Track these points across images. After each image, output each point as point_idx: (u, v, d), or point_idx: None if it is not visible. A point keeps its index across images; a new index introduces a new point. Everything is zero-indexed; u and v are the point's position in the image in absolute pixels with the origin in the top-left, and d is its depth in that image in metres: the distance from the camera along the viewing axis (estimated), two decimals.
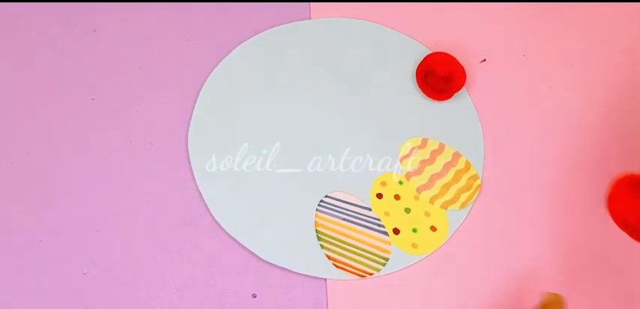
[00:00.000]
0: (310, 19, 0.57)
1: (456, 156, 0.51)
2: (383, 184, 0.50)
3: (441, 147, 0.52)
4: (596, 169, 0.52)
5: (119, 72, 0.54)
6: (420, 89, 0.54)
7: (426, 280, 0.47)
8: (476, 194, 0.50)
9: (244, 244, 0.47)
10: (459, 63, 0.54)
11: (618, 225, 0.48)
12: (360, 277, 0.47)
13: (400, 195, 0.50)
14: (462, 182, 0.50)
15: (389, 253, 0.48)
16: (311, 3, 0.58)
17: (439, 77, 0.54)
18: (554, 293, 0.45)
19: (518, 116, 0.54)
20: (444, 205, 0.50)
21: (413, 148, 0.52)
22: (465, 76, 0.54)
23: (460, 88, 0.54)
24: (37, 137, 0.51)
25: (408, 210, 0.49)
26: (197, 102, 0.53)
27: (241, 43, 0.55)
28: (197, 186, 0.49)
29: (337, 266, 0.47)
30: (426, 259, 0.48)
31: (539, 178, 0.51)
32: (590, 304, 0.47)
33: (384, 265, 0.47)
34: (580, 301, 0.47)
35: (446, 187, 0.50)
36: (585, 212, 0.50)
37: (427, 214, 0.49)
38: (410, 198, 0.50)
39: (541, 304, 0.44)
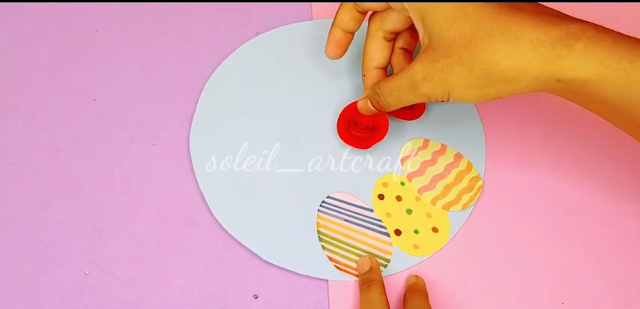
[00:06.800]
0: (312, 20, 0.57)
1: (458, 157, 0.51)
2: (384, 185, 0.50)
3: (443, 148, 0.52)
4: (599, 168, 0.52)
5: (121, 73, 0.54)
6: None
7: (427, 282, 0.47)
8: (477, 195, 0.50)
9: (246, 245, 0.47)
10: None
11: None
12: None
13: (402, 196, 0.50)
14: (464, 183, 0.50)
15: (390, 254, 0.48)
16: (312, 3, 0.58)
17: None
18: (415, 275, 0.47)
19: (519, 117, 0.54)
20: (446, 207, 0.49)
21: (414, 149, 0.51)
22: None
23: None
24: (38, 138, 0.51)
25: (409, 211, 0.49)
26: (198, 102, 0.53)
27: (242, 43, 0.56)
28: (198, 187, 0.49)
29: (339, 268, 0.47)
30: (427, 261, 0.48)
31: (540, 179, 0.51)
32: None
33: (385, 266, 0.47)
34: (580, 304, 0.47)
35: (448, 188, 0.50)
36: (587, 213, 0.50)
37: (429, 216, 0.49)
38: (412, 199, 0.50)
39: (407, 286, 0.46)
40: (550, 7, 0.42)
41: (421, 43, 0.44)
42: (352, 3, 0.47)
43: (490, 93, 0.42)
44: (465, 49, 0.41)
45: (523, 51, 0.39)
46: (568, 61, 0.39)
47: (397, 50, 0.49)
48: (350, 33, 0.49)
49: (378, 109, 0.48)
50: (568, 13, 0.42)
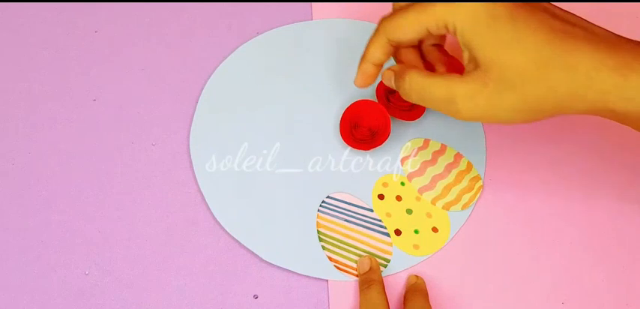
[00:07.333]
0: (312, 20, 0.57)
1: (458, 157, 0.51)
2: (384, 184, 0.50)
3: (443, 148, 0.52)
4: (599, 168, 0.52)
5: (121, 73, 0.54)
6: None
7: (427, 282, 0.47)
8: (477, 195, 0.50)
9: (246, 245, 0.47)
10: (459, 62, 0.54)
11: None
12: None
13: (402, 196, 0.50)
14: (464, 183, 0.50)
15: (390, 254, 0.48)
16: (313, 3, 0.58)
17: None
18: (416, 275, 0.47)
19: None
20: (446, 207, 0.49)
21: (414, 149, 0.51)
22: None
23: None
24: (38, 138, 0.51)
25: (409, 211, 0.49)
26: (198, 102, 0.53)
27: (243, 43, 0.55)
28: (198, 187, 0.49)
29: (339, 268, 0.47)
30: (427, 261, 0.48)
31: (540, 179, 0.51)
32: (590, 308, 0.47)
33: (385, 266, 0.47)
34: (580, 304, 0.47)
35: (448, 188, 0.50)
36: (587, 212, 0.50)
37: (429, 216, 0.49)
38: (412, 199, 0.50)
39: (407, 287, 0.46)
40: (600, 27, 0.41)
41: (465, 66, 0.43)
42: (386, 38, 0.45)
43: (539, 117, 0.41)
44: (519, 77, 0.40)
45: (580, 80, 0.39)
46: (623, 91, 0.39)
47: (429, 48, 0.48)
48: (380, 65, 0.47)
49: (395, 89, 0.47)
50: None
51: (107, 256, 0.47)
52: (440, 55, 0.48)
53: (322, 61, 0.55)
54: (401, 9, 0.45)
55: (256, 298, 0.46)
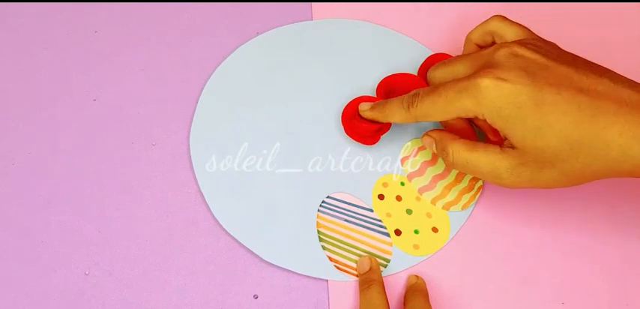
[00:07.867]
0: (312, 20, 0.57)
1: None
2: (384, 185, 0.50)
3: None
4: None
5: (121, 73, 0.54)
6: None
7: (427, 282, 0.47)
8: (477, 195, 0.50)
9: (245, 245, 0.47)
10: None
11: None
12: None
13: (402, 196, 0.50)
14: (464, 183, 0.50)
15: (390, 254, 0.48)
16: (313, 3, 0.58)
17: None
18: (416, 275, 0.47)
19: None
20: (446, 207, 0.49)
21: (414, 149, 0.51)
22: None
23: None
24: (38, 138, 0.51)
25: (409, 211, 0.49)
26: (199, 102, 0.53)
27: (243, 43, 0.56)
28: (198, 187, 0.49)
29: (339, 268, 0.47)
30: (427, 261, 0.48)
31: None
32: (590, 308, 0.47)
33: (385, 266, 0.47)
34: (580, 304, 0.47)
35: (447, 189, 0.50)
36: (587, 212, 0.50)
37: (429, 216, 0.49)
38: (412, 199, 0.50)
39: (407, 287, 0.46)
40: (626, 81, 0.42)
41: (504, 141, 0.44)
42: (413, 118, 0.47)
43: (582, 183, 0.43)
44: (555, 157, 0.41)
45: (615, 157, 0.40)
46: None
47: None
48: None
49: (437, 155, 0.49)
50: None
51: (107, 256, 0.47)
52: (488, 126, 0.47)
53: (322, 61, 0.55)
54: (432, 93, 0.45)
55: (256, 298, 0.46)
